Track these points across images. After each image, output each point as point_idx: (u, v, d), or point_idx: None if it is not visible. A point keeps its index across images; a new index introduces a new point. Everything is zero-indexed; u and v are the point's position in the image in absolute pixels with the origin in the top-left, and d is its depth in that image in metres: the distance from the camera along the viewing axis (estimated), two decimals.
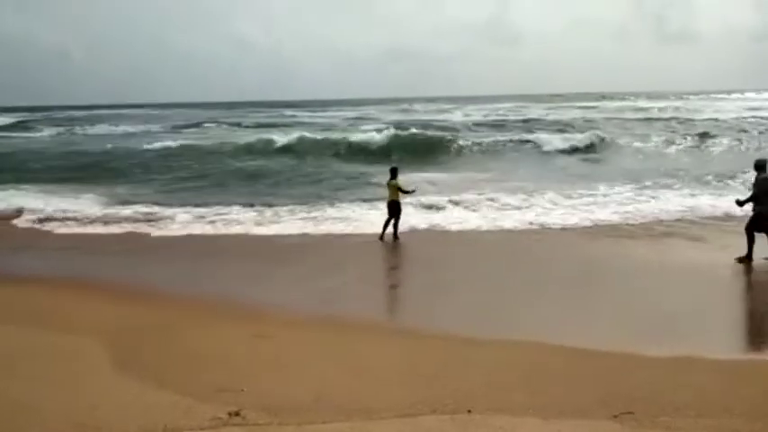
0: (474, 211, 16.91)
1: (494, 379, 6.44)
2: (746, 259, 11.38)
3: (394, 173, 15.12)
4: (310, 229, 15.43)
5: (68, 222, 16.83)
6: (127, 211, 17.94)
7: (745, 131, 37.64)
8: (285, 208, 17.79)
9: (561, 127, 41.84)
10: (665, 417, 5.42)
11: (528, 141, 34.71)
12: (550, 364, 6.90)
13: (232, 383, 6.24)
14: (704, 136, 35.82)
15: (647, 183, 20.63)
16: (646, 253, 12.37)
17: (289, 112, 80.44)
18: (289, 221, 16.28)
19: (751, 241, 11.43)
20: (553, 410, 5.59)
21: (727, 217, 15.00)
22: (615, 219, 15.50)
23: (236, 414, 5.49)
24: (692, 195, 18.49)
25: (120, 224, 16.45)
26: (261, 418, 5.45)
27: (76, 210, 18.17)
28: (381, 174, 18.03)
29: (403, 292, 11.01)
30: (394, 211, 14.56)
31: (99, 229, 16.07)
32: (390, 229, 14.39)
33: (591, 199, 18.09)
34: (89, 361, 7.06)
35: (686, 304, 9.33)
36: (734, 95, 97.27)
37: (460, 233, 14.76)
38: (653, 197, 18.19)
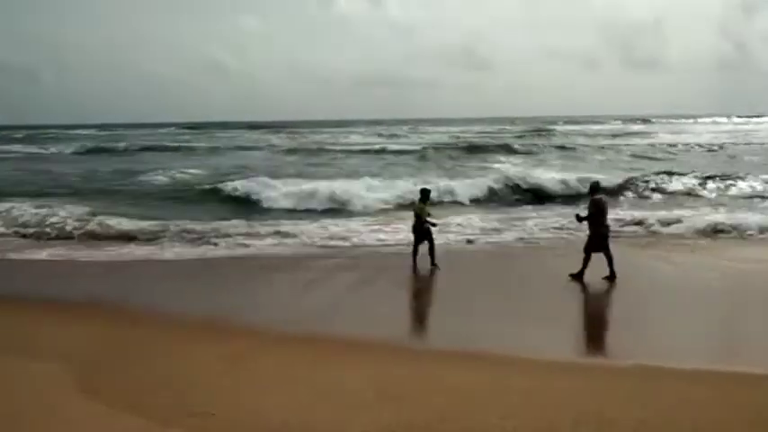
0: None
1: (466, 399, 6.44)
2: (578, 277, 11.76)
3: (426, 195, 13.93)
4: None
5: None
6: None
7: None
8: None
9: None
10: None
11: None
12: (522, 382, 6.95)
13: (203, 407, 6.16)
14: None
15: None
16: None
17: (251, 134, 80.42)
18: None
19: (587, 260, 11.82)
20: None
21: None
22: None
23: None
24: None
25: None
26: None
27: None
28: None
29: (387, 309, 10.77)
30: (423, 235, 13.39)
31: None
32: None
33: None
34: (56, 389, 6.83)
35: None
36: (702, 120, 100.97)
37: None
38: None
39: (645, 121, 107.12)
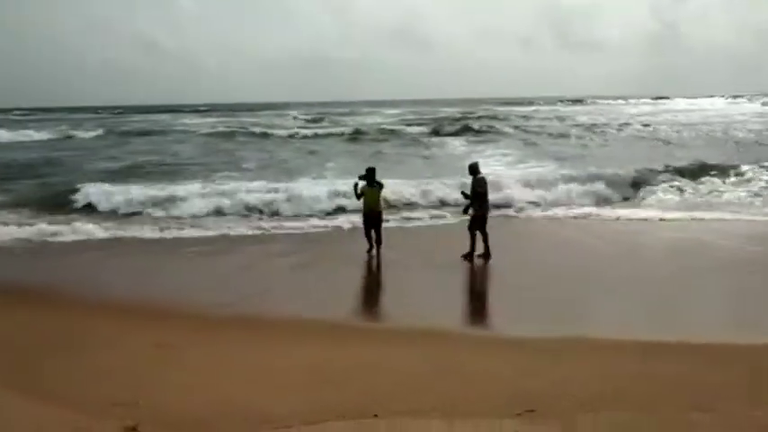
0: None
1: (402, 380, 6.41)
2: (469, 257, 12.11)
3: (371, 175, 12.84)
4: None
5: None
6: None
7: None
8: None
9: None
10: (566, 412, 5.53)
11: None
12: (464, 362, 6.97)
13: (129, 397, 5.92)
14: None
15: None
16: None
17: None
18: None
19: (473, 240, 12.17)
20: (460, 411, 5.61)
21: None
22: None
23: (133, 429, 5.22)
24: None
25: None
26: None
27: None
28: None
29: (324, 287, 10.81)
30: (375, 222, 12.75)
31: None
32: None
33: None
34: None
35: None
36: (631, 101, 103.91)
37: None
38: None
39: (578, 101, 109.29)
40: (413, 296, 10.22)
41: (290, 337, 8.01)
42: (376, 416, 5.47)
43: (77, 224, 15.19)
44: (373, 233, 12.72)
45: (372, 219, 12.76)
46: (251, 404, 5.81)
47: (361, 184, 12.82)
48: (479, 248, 12.14)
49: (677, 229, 15.00)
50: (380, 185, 12.84)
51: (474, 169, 12.50)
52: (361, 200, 12.80)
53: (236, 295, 10.13)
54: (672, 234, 14.60)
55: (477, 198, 12.29)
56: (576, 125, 47.19)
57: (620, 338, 7.72)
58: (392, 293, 10.91)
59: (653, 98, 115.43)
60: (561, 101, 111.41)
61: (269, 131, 44.31)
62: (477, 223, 12.24)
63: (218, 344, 7.68)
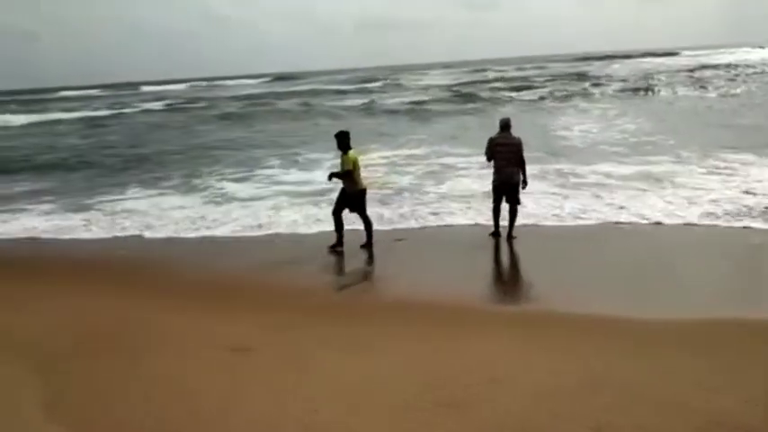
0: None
1: (549, 392, 4.94)
2: (494, 234, 10.30)
3: (345, 140, 9.93)
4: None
5: None
6: None
7: None
8: None
9: None
10: None
11: None
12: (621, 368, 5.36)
13: (197, 425, 4.67)
14: None
15: None
16: None
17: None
18: None
19: (495, 212, 10.30)
20: None
21: None
22: None
23: None
24: None
25: None
26: None
27: None
28: None
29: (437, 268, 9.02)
30: (356, 203, 10.06)
31: None
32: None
33: None
34: (14, 404, 5.16)
35: None
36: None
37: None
38: None
39: (670, 54, 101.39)
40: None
41: (394, 331, 6.57)
42: None
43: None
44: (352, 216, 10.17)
45: (353, 198, 10.00)
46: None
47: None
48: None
49: None
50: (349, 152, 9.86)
51: (503, 124, 10.29)
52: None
53: (319, 280, 8.77)
54: None
55: (494, 160, 10.22)
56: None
57: None
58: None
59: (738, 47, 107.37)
60: (651, 54, 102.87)
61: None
62: (497, 193, 10.24)
63: (301, 343, 6.30)
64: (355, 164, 9.88)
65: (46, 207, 14.66)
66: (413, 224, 11.30)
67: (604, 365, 5.38)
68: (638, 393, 4.83)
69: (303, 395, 5.04)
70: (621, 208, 11.28)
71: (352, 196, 9.99)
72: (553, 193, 12.73)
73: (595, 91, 39.96)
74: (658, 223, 10.45)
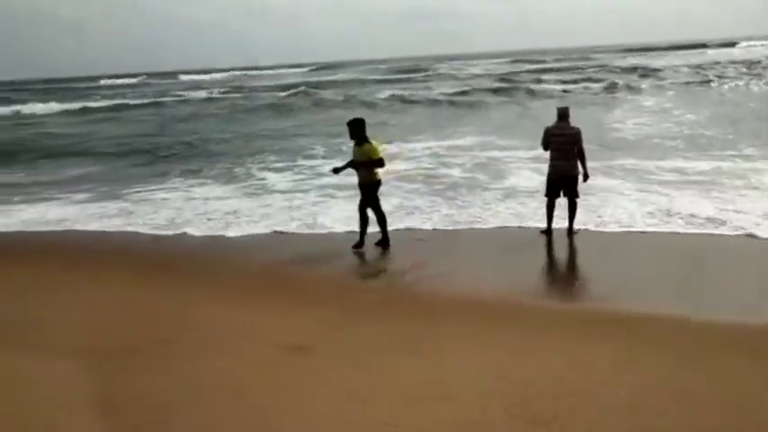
0: None
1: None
2: (547, 232, 9.71)
3: (358, 129, 9.34)
4: None
5: None
6: None
7: None
8: None
9: None
10: None
11: None
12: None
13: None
14: None
15: None
16: None
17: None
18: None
19: (549, 209, 9.72)
20: None
21: None
22: None
23: None
24: None
25: None
26: None
27: None
28: None
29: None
30: (369, 195, 9.47)
31: None
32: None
33: None
34: (65, 405, 4.82)
35: None
36: None
37: None
38: None
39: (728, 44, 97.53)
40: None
41: (456, 330, 6.09)
42: None
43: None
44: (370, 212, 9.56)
45: (367, 190, 9.39)
46: None
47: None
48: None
49: None
50: (369, 143, 9.28)
51: (560, 113, 9.70)
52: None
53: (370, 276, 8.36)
54: None
55: (549, 151, 9.68)
56: None
57: None
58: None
59: None
60: (705, 45, 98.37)
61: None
62: (553, 187, 9.67)
63: (361, 341, 5.86)
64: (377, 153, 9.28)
65: (85, 196, 14.55)
66: (465, 219, 10.70)
67: (680, 375, 4.91)
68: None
69: (367, 402, 4.65)
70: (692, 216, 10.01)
71: (365, 188, 9.40)
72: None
73: (645, 83, 38.60)
74: (751, 236, 9.01)
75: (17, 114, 41.84)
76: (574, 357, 5.30)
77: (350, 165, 9.49)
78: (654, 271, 7.91)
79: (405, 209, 11.40)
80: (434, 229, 10.22)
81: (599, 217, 10.20)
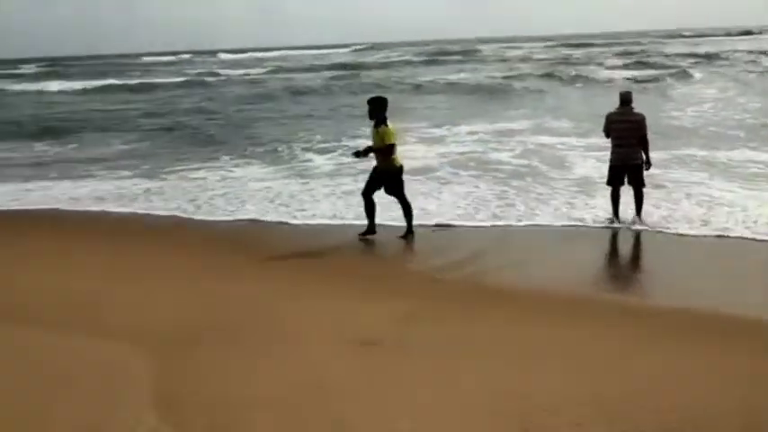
0: None
1: None
2: (614, 219, 9.29)
3: (378, 109, 8.72)
4: None
5: None
6: None
7: None
8: None
9: None
10: None
11: None
12: None
13: None
14: None
15: None
16: None
17: None
18: None
19: (614, 197, 9.33)
20: None
21: None
22: None
23: None
24: None
25: None
26: None
27: None
28: None
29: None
30: (392, 183, 8.82)
31: None
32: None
33: None
34: (123, 397, 4.45)
35: None
36: None
37: None
38: None
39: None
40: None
41: (537, 332, 5.57)
42: None
43: None
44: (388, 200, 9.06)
45: (390, 178, 8.77)
46: None
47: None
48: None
49: None
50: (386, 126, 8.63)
51: (622, 99, 9.27)
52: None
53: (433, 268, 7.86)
54: None
55: (611, 138, 9.30)
56: None
57: None
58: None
59: None
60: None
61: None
62: (615, 176, 9.19)
63: (435, 339, 5.41)
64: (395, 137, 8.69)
65: (130, 172, 14.44)
66: (517, 210, 10.09)
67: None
68: None
69: (448, 412, 4.18)
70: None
71: (387, 175, 8.75)
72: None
73: (701, 70, 37.09)
74: None
75: (78, 90, 41.30)
76: (654, 362, 4.85)
77: (370, 149, 8.91)
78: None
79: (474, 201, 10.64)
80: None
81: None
